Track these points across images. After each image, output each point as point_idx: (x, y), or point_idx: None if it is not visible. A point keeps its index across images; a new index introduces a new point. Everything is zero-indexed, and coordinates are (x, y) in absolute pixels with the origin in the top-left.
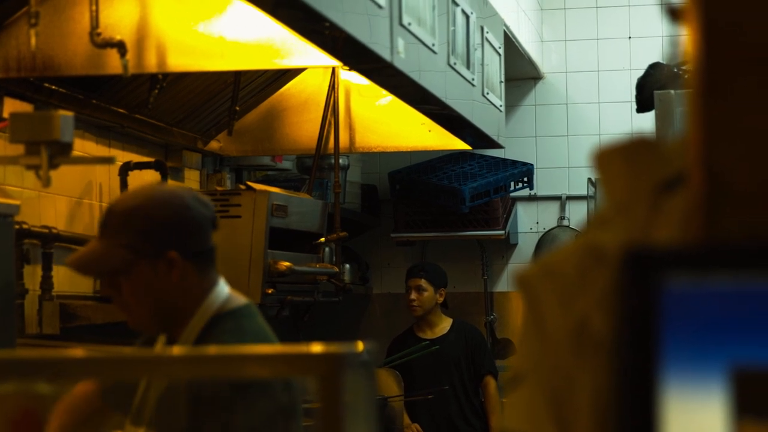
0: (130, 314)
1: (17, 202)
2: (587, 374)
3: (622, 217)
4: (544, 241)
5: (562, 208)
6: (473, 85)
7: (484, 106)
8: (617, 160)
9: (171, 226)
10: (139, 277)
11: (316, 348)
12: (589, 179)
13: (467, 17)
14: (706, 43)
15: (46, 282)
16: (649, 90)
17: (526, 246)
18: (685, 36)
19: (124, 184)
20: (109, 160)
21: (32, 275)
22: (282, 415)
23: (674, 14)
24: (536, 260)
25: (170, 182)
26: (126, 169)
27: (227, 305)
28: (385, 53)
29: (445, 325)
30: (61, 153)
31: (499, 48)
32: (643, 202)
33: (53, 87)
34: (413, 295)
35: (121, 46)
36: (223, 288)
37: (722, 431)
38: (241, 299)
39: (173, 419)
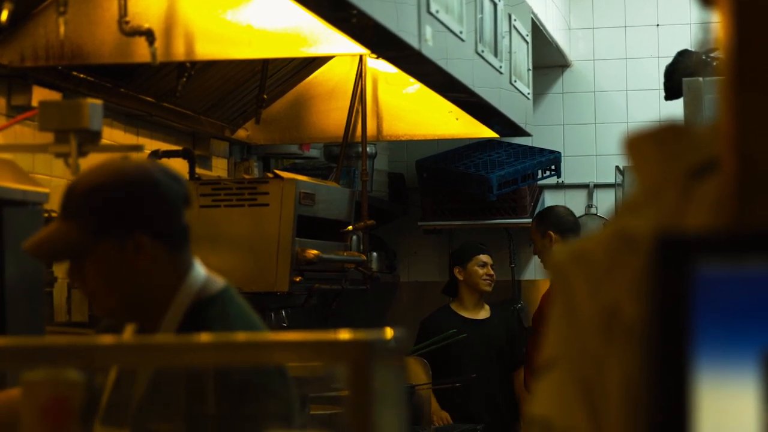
0: (97, 302)
1: (46, 190)
2: (618, 361)
3: (654, 203)
4: None
5: (590, 196)
6: (501, 72)
7: (511, 93)
8: (648, 146)
9: (137, 204)
10: (104, 262)
11: (345, 335)
12: (617, 167)
13: (495, 5)
14: (739, 28)
15: None
16: (677, 77)
17: None
18: (717, 22)
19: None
20: (137, 149)
21: (61, 263)
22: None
23: (706, 0)
24: (567, 246)
25: (136, 156)
26: (154, 157)
27: (207, 290)
28: (412, 41)
29: (486, 308)
30: (89, 141)
31: (527, 36)
32: (674, 188)
33: (82, 75)
34: (489, 270)
35: (149, 35)
36: (199, 270)
37: (755, 417)
38: (218, 281)
39: (166, 413)
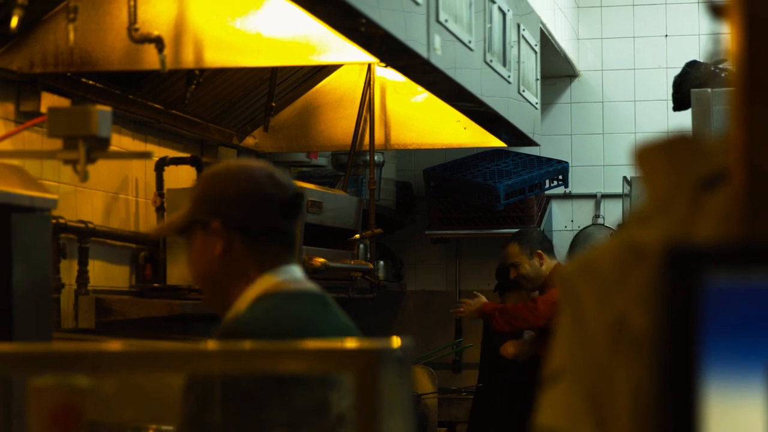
0: (193, 283)
1: (54, 197)
2: (626, 372)
3: (663, 214)
4: (579, 240)
5: (597, 207)
6: (509, 82)
7: (519, 103)
8: (658, 157)
9: (223, 196)
10: (194, 245)
11: (352, 344)
12: (625, 177)
13: (504, 14)
14: (749, 40)
15: (82, 276)
16: (686, 88)
17: (560, 244)
18: (726, 33)
19: (160, 179)
20: (145, 155)
21: (68, 270)
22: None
23: (716, 11)
24: (576, 257)
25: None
26: (162, 164)
27: (279, 287)
28: (421, 50)
29: None
30: (98, 148)
31: (536, 45)
32: (683, 199)
33: (90, 82)
34: None
35: (158, 42)
36: (286, 273)
37: (763, 428)
38: (302, 285)
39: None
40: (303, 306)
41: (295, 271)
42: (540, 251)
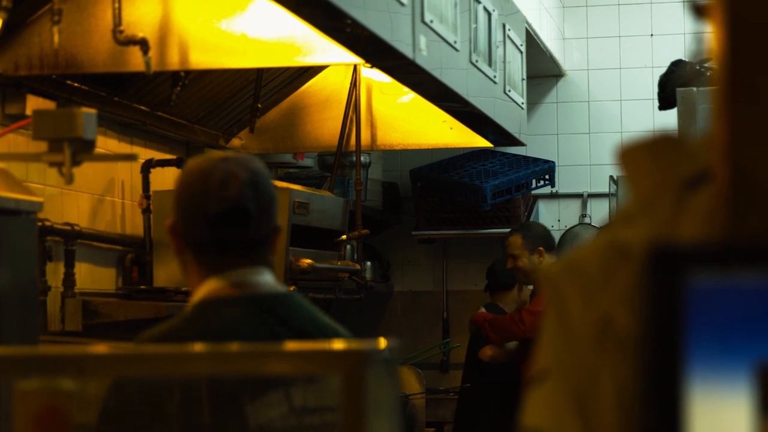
0: None
1: (40, 199)
2: (611, 371)
3: (647, 214)
4: (566, 239)
5: (584, 206)
6: (495, 82)
7: (505, 103)
8: (642, 157)
9: (174, 199)
10: None
11: (339, 345)
12: (611, 177)
13: (489, 15)
14: (731, 39)
15: (69, 279)
16: (671, 87)
17: None
18: (710, 33)
19: (146, 181)
20: (131, 158)
21: (55, 272)
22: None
23: (699, 11)
24: (561, 257)
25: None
26: (148, 166)
27: (212, 295)
28: (407, 50)
29: None
30: (83, 150)
31: (521, 45)
32: (667, 199)
33: (76, 84)
34: None
35: (143, 44)
36: (230, 277)
37: (747, 428)
38: (242, 291)
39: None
40: (226, 316)
41: (243, 275)
42: (541, 248)
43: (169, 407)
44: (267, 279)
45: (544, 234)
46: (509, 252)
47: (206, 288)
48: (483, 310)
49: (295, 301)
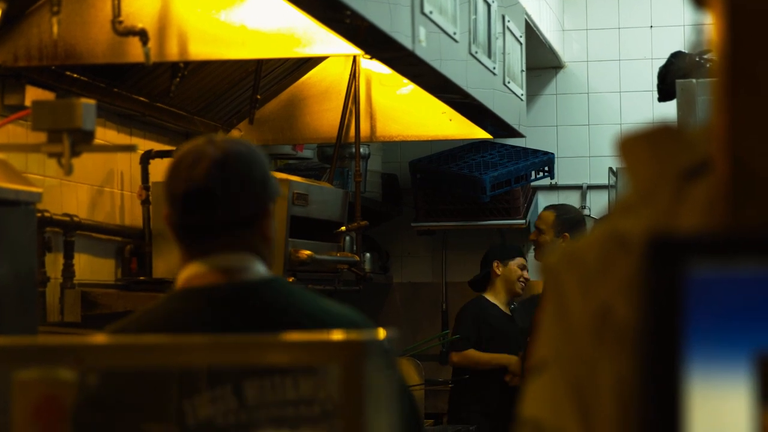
0: None
1: (39, 190)
2: (610, 362)
3: (646, 205)
4: None
5: (583, 198)
6: (494, 74)
7: (505, 95)
8: (641, 148)
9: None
10: None
11: (338, 335)
12: (610, 168)
13: (488, 6)
14: (731, 30)
15: (68, 270)
16: (671, 79)
17: None
18: (710, 24)
19: (145, 172)
20: (130, 149)
21: (54, 263)
22: None
23: (699, 2)
24: (560, 248)
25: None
26: (147, 157)
27: (186, 283)
28: (406, 42)
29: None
30: (83, 141)
31: (521, 37)
32: (667, 190)
33: (75, 75)
34: (527, 274)
35: (142, 35)
36: (194, 266)
37: (747, 418)
38: (197, 282)
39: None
40: (172, 308)
41: (218, 261)
42: (567, 234)
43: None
44: (247, 265)
45: (577, 221)
46: (538, 225)
47: (183, 274)
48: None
49: (276, 287)
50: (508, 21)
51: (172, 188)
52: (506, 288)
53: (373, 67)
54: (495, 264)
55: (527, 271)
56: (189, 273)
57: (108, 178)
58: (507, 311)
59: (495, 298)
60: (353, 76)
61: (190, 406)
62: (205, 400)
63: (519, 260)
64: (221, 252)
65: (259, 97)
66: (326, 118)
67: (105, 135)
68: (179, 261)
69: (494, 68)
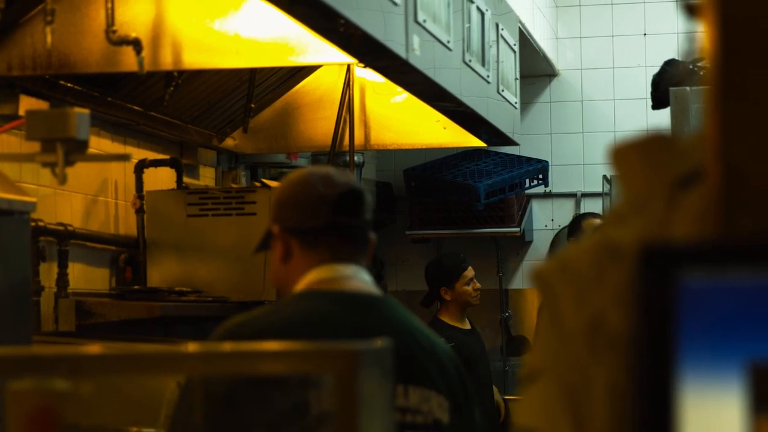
0: None
1: (33, 200)
2: (603, 371)
3: (639, 214)
4: (559, 239)
5: (577, 206)
6: (488, 82)
7: (499, 103)
8: (634, 156)
9: (279, 202)
10: (271, 255)
11: (332, 344)
12: (604, 176)
13: (482, 14)
14: (723, 39)
15: (62, 279)
16: (664, 87)
17: (541, 243)
18: (702, 32)
19: (139, 181)
20: (124, 158)
21: (48, 272)
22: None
23: (691, 10)
24: (553, 256)
25: (330, 167)
26: (141, 166)
27: (313, 287)
28: (400, 50)
29: (465, 318)
30: (76, 150)
31: (514, 45)
32: (659, 199)
33: (69, 84)
34: (476, 284)
35: (136, 44)
36: (329, 270)
37: (740, 428)
38: (333, 285)
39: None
40: (312, 306)
41: (346, 269)
42: None
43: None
44: (367, 277)
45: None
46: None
47: (306, 280)
48: None
49: (394, 303)
50: (502, 29)
51: (324, 191)
52: (460, 307)
53: (367, 76)
54: (442, 291)
55: (475, 280)
56: (319, 276)
57: (102, 187)
58: (465, 326)
59: (450, 318)
60: (347, 84)
61: (315, 398)
62: (327, 394)
63: (465, 276)
64: (349, 262)
65: (253, 105)
66: (320, 126)
67: (99, 144)
68: (296, 270)
69: (488, 76)
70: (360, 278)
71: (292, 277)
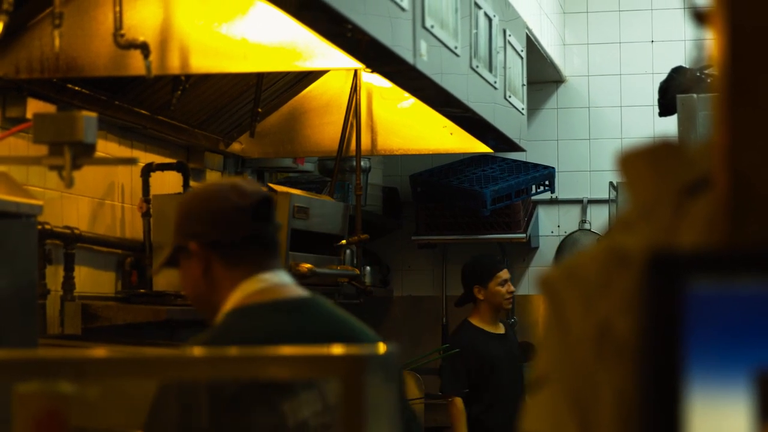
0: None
1: (40, 203)
2: (609, 377)
3: (646, 221)
4: (565, 245)
5: (584, 212)
6: (495, 88)
7: (506, 109)
8: (642, 163)
9: (192, 216)
10: (182, 271)
11: (338, 349)
12: (611, 183)
13: (490, 20)
14: (731, 46)
15: (68, 282)
16: (671, 94)
17: (547, 249)
18: (710, 40)
19: (146, 185)
20: (131, 161)
21: (54, 276)
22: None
23: (700, 18)
24: (560, 263)
25: (236, 177)
26: (148, 170)
27: (247, 300)
28: (407, 56)
29: (500, 323)
30: (84, 154)
31: (522, 51)
32: (667, 206)
33: (76, 88)
34: (510, 287)
35: (144, 48)
36: (260, 281)
37: None
38: (277, 294)
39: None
40: (267, 319)
41: (274, 277)
42: None
43: (211, 409)
44: (292, 280)
45: None
46: None
47: (240, 294)
48: None
49: (322, 302)
50: (509, 35)
51: (232, 205)
52: (492, 309)
53: (374, 81)
54: (476, 289)
55: (510, 282)
56: (252, 288)
57: (109, 190)
58: (496, 329)
59: (480, 320)
60: (354, 89)
61: (290, 408)
62: (301, 402)
63: (499, 277)
64: (275, 268)
65: (260, 110)
66: (327, 131)
67: (106, 148)
68: (222, 285)
69: (495, 82)
70: (290, 283)
71: (218, 292)
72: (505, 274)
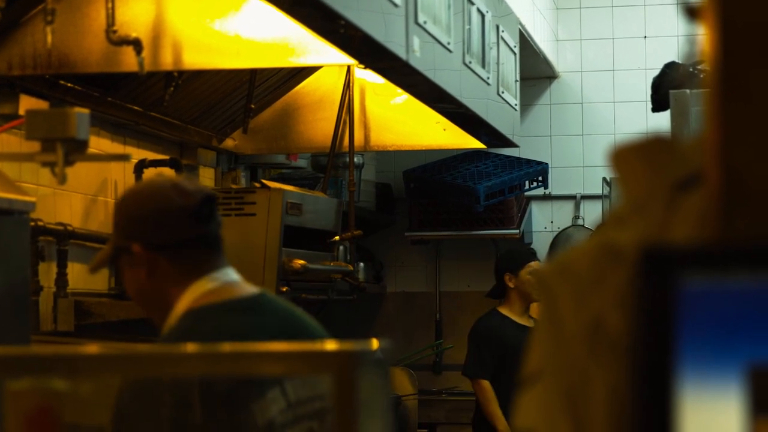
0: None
1: (33, 199)
2: (602, 373)
3: (639, 216)
4: (559, 241)
5: (577, 208)
6: (488, 83)
7: (499, 105)
8: (634, 159)
9: (135, 218)
10: (124, 272)
11: (331, 345)
12: (604, 179)
13: (482, 16)
14: (723, 42)
15: (61, 279)
16: (664, 89)
17: (540, 245)
18: (702, 35)
19: (139, 181)
20: (124, 158)
21: (47, 272)
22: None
23: (692, 13)
24: (553, 259)
25: (168, 174)
26: (141, 166)
27: (200, 301)
28: (400, 52)
29: (528, 317)
30: (76, 150)
31: (515, 47)
32: (659, 201)
33: (69, 84)
34: None
35: (136, 44)
36: (210, 281)
37: (739, 430)
38: (229, 294)
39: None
40: (224, 320)
41: (224, 276)
42: None
43: (180, 407)
44: (239, 277)
45: None
46: None
47: (192, 295)
48: None
49: (274, 297)
50: (502, 31)
51: (176, 206)
52: (521, 298)
53: (367, 77)
54: (507, 277)
55: None
56: (205, 288)
57: (102, 187)
58: (524, 321)
59: (509, 310)
60: (347, 85)
61: (258, 408)
62: (268, 401)
63: (531, 266)
64: (223, 266)
65: (253, 106)
66: (320, 127)
67: (99, 144)
68: (169, 287)
69: (488, 78)
70: (239, 280)
71: (167, 292)
72: (537, 265)
